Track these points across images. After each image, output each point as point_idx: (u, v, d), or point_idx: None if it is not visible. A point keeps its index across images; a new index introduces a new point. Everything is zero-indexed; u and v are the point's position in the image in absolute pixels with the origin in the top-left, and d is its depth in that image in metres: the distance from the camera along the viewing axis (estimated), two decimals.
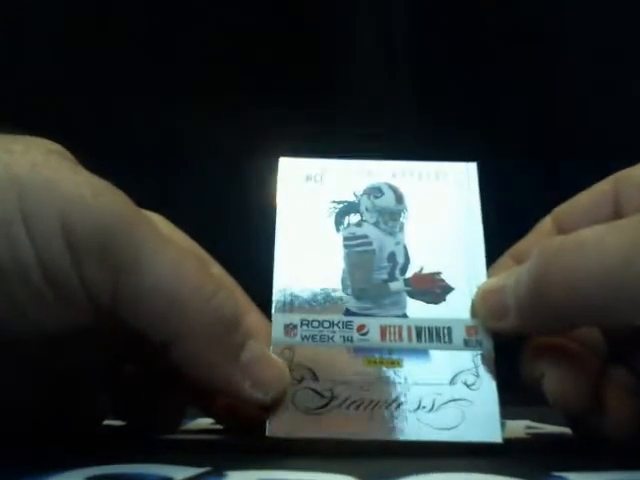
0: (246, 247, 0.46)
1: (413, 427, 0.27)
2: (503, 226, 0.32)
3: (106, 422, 0.34)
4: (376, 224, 0.31)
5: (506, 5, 0.55)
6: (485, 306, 0.28)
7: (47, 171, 0.23)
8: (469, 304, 0.29)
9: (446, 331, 0.28)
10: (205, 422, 0.37)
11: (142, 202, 0.28)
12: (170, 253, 0.25)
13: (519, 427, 0.35)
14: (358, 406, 0.27)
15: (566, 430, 0.34)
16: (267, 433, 0.27)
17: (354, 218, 0.31)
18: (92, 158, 0.26)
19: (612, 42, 0.54)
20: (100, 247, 0.23)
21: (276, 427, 0.27)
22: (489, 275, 0.30)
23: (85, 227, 0.23)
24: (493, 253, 0.31)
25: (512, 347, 0.28)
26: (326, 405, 0.27)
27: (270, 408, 0.27)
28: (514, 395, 0.36)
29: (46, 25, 0.54)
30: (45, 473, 0.23)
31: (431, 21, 0.54)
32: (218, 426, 0.35)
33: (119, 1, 0.55)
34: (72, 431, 0.31)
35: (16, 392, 0.28)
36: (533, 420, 0.37)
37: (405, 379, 0.28)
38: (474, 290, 0.29)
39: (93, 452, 0.28)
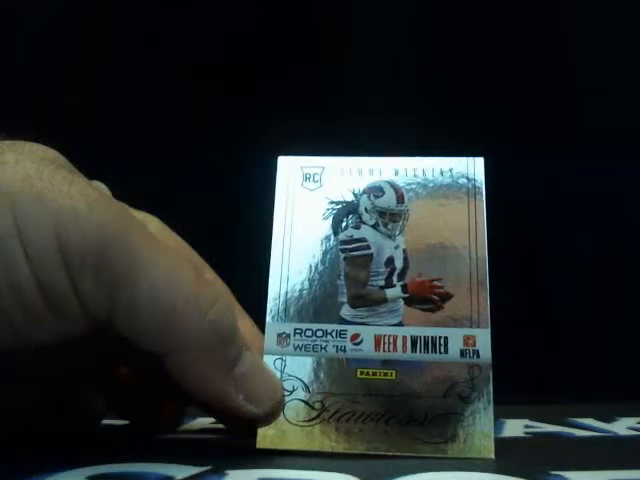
0: (243, 249, 0.46)
1: (404, 441, 0.26)
2: (503, 226, 0.32)
3: (106, 422, 0.34)
4: (375, 226, 0.30)
5: (506, 3, 0.55)
6: None
7: (40, 184, 0.23)
8: (468, 312, 0.28)
9: (442, 341, 0.28)
10: (205, 422, 0.37)
11: (140, 202, 0.28)
12: (165, 263, 0.24)
13: (518, 426, 0.35)
14: (349, 419, 0.27)
15: (565, 429, 0.35)
16: (257, 445, 0.27)
17: (352, 220, 0.30)
18: (91, 158, 0.26)
19: (613, 36, 0.54)
20: (95, 261, 0.23)
21: (266, 438, 0.27)
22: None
23: (80, 242, 0.23)
24: (494, 255, 0.29)
25: (512, 348, 0.28)
26: (317, 417, 0.27)
27: (262, 420, 0.27)
28: (514, 395, 0.36)
29: (40, 24, 0.54)
30: (45, 473, 0.23)
31: (431, 20, 0.54)
32: (218, 426, 0.35)
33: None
34: (71, 431, 0.31)
35: (14, 393, 0.28)
36: (532, 419, 0.37)
37: (397, 391, 0.27)
38: (475, 297, 0.28)
39: (93, 452, 0.28)
